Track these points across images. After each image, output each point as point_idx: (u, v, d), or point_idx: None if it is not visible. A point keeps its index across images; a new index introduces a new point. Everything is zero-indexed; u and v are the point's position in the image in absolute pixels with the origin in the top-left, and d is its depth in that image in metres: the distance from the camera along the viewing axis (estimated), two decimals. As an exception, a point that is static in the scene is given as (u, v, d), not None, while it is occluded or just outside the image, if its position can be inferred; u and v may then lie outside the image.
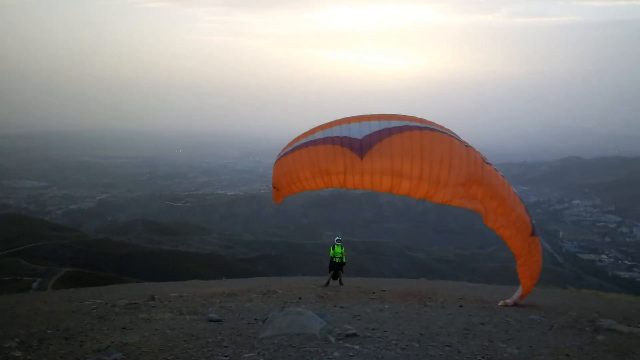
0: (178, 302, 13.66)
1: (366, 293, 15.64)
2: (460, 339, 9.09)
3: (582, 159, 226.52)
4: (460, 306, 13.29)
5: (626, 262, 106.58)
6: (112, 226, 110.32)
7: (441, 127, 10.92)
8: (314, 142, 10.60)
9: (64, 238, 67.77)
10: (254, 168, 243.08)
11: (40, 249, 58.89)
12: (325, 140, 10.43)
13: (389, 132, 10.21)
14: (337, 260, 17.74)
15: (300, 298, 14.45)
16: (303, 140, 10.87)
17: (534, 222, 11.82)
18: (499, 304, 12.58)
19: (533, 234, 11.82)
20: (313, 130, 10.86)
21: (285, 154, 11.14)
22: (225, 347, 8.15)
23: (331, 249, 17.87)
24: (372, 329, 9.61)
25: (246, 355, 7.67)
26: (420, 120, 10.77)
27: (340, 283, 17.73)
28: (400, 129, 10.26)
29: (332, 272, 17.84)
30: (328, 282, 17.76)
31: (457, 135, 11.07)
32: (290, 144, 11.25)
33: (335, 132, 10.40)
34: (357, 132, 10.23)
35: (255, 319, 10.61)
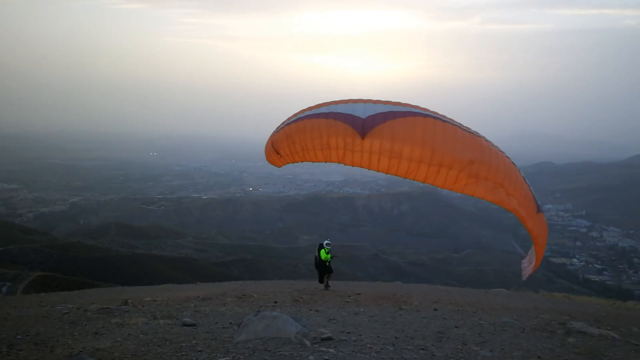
0: (152, 306, 13.50)
1: (341, 296, 15.65)
2: (434, 342, 9.16)
3: (554, 164, 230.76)
4: (435, 309, 13.39)
5: (596, 265, 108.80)
6: (85, 229, 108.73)
7: (449, 118, 10.71)
8: (318, 115, 10.51)
9: (34, 241, 66.57)
10: (229, 171, 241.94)
11: (10, 252, 57.77)
12: (328, 115, 10.30)
13: (393, 115, 10.05)
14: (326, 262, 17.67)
15: (275, 302, 14.40)
16: (308, 112, 10.78)
17: (537, 200, 11.60)
18: (524, 279, 12.07)
19: (539, 211, 11.66)
20: (318, 106, 10.77)
21: (289, 123, 11.05)
22: (200, 351, 8.08)
23: (323, 251, 17.70)
24: (348, 333, 9.63)
25: (221, 359, 7.62)
26: (425, 109, 10.60)
27: (327, 286, 17.70)
28: (404, 114, 10.10)
29: (324, 273, 17.78)
30: (326, 283, 17.76)
31: (465, 126, 10.78)
32: (294, 115, 11.15)
33: (340, 108, 10.30)
34: (362, 111, 10.10)
35: (230, 323, 10.55)
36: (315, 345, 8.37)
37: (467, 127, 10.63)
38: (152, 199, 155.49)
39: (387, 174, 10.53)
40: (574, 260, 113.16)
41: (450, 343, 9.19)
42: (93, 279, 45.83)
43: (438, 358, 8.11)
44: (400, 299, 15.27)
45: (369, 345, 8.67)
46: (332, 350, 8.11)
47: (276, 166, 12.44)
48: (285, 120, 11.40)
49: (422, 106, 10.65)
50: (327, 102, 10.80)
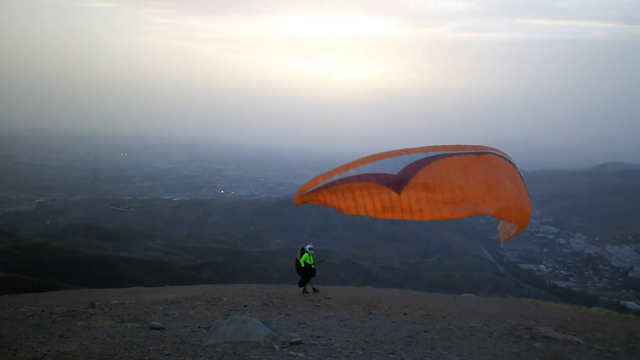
0: (119, 309, 13.31)
1: (312, 301, 15.65)
2: (403, 347, 9.22)
3: (523, 171, 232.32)
4: (405, 314, 13.49)
5: (563, 272, 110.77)
6: (51, 231, 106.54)
7: (459, 147, 11.36)
8: (349, 179, 10.67)
9: (-2, 242, 64.99)
10: (200, 173, 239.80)
11: (-27, 253, 56.28)
12: (359, 178, 10.53)
13: (419, 163, 10.60)
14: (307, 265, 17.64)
15: (245, 306, 14.32)
16: (336, 177, 10.83)
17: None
18: (502, 245, 12.97)
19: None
20: (346, 167, 10.88)
21: (319, 188, 11.01)
22: (168, 355, 7.99)
23: (308, 256, 17.65)
24: (317, 337, 9.63)
25: (189, 363, 7.55)
26: (444, 147, 11.13)
27: (305, 291, 17.68)
28: (428, 160, 10.69)
29: (307, 278, 17.73)
30: (312, 288, 17.72)
31: (476, 149, 11.56)
32: (322, 177, 11.11)
33: (370, 168, 10.56)
34: (392, 167, 10.47)
35: (199, 327, 10.46)
36: (285, 349, 8.35)
37: (474, 148, 11.42)
38: (121, 200, 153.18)
39: (432, 220, 11.16)
40: (541, 266, 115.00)
41: (419, 347, 9.27)
42: (59, 281, 44.85)
43: (407, 362, 8.16)
44: (370, 303, 15.34)
45: (338, 349, 8.68)
46: (301, 354, 8.11)
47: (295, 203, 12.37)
48: (311, 185, 11.26)
49: (431, 144, 11.25)
50: (352, 162, 10.94)
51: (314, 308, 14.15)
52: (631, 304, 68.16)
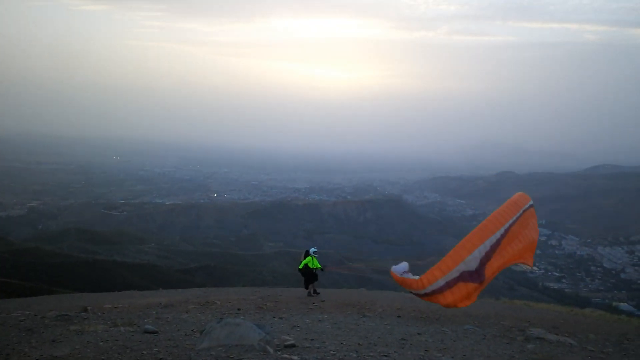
0: (112, 313, 13.25)
1: (305, 304, 15.64)
2: (397, 349, 9.23)
3: (516, 174, 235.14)
4: (398, 316, 13.52)
5: (555, 273, 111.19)
6: (43, 235, 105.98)
7: (510, 213, 13.96)
8: (447, 285, 13.04)
9: (-10, 247, 64.54)
10: (193, 177, 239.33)
11: (-36, 258, 55.86)
12: (449, 284, 12.99)
13: (490, 253, 13.26)
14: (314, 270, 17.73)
15: (239, 309, 14.29)
16: (442, 282, 13.06)
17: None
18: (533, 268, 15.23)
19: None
20: (448, 268, 13.14)
21: (435, 291, 13.16)
22: (161, 359, 7.97)
23: (313, 259, 17.71)
24: (311, 340, 9.62)
25: (182, 367, 7.53)
26: (499, 220, 13.70)
27: (313, 293, 17.77)
28: (498, 242, 13.42)
29: (311, 280, 17.81)
30: (313, 290, 17.77)
31: (517, 208, 14.22)
32: (429, 282, 13.25)
33: (462, 267, 13.04)
34: (473, 264, 13.04)
35: (192, 330, 10.43)
36: (279, 352, 8.34)
37: (516, 209, 14.13)
38: (114, 204, 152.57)
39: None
40: (534, 268, 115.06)
41: (412, 350, 9.28)
42: (51, 286, 44.60)
43: (400, 364, 8.17)
44: (364, 306, 15.35)
45: (332, 352, 8.68)
46: (295, 357, 8.10)
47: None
48: (425, 286, 13.29)
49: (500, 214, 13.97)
50: (446, 265, 13.21)
51: (307, 311, 14.15)
52: (623, 305, 68.63)
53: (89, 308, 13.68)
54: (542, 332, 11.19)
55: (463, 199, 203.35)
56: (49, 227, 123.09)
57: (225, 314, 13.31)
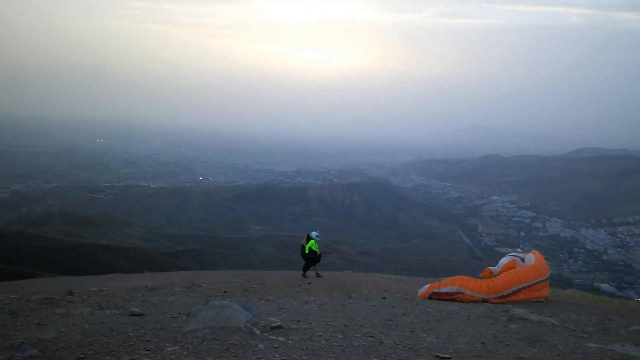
0: (98, 296, 13.22)
1: (292, 286, 15.72)
2: (383, 330, 9.31)
3: (501, 157, 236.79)
4: (384, 298, 13.63)
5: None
6: (27, 218, 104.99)
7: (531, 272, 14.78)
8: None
9: (-27, 230, 63.97)
10: (179, 160, 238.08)
11: (-53, 242, 55.34)
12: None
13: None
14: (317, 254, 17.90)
15: (225, 292, 14.33)
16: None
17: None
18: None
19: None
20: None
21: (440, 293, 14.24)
22: (148, 341, 7.97)
23: (314, 243, 17.83)
24: (298, 321, 9.68)
25: (169, 349, 7.54)
26: (524, 276, 14.53)
27: (305, 275, 17.97)
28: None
29: (312, 264, 17.96)
30: (316, 273, 17.92)
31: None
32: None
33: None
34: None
35: (179, 313, 10.44)
36: (265, 334, 8.38)
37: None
38: (99, 187, 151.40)
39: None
40: (519, 250, 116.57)
41: (398, 330, 9.37)
42: (36, 269, 44.33)
43: (386, 345, 8.25)
44: (350, 288, 15.46)
45: (318, 333, 8.74)
46: (281, 339, 8.15)
47: None
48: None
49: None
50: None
51: (294, 293, 14.22)
52: (605, 286, 69.67)
53: (74, 291, 13.63)
54: (525, 313, 11.36)
55: (448, 182, 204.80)
56: (33, 211, 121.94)
57: (211, 296, 13.33)
